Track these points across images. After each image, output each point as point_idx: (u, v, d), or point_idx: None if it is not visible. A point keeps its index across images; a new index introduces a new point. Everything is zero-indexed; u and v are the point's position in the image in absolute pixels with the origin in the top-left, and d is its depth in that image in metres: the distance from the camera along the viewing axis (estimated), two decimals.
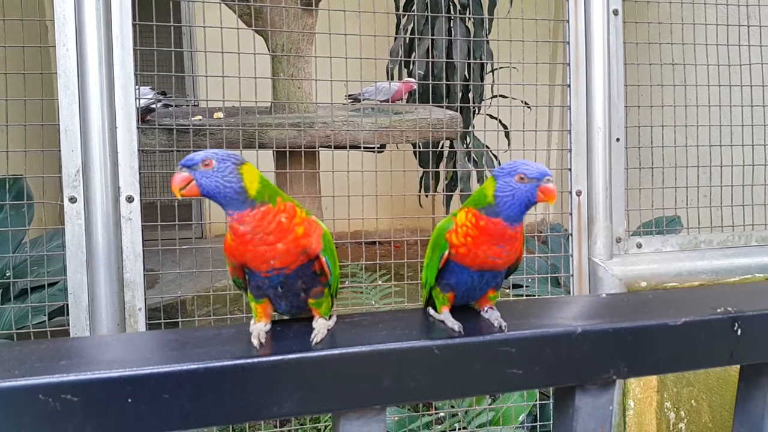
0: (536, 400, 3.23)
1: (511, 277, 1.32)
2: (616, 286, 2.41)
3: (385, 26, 6.24)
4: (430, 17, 5.68)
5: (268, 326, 1.11)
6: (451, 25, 6.04)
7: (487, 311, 1.20)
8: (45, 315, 2.67)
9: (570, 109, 2.50)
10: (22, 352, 1.00)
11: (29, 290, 2.88)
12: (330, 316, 1.16)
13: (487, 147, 6.03)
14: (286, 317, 1.24)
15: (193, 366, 0.96)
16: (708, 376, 2.08)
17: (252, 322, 1.12)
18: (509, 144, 4.78)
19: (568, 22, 2.48)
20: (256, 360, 0.99)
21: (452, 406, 3.36)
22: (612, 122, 2.49)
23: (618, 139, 2.50)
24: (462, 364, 1.09)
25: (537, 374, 1.12)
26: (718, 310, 1.19)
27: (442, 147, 6.47)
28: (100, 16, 2.07)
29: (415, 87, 4.30)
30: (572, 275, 2.51)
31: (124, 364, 0.95)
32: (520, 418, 3.22)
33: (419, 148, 5.70)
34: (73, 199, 2.08)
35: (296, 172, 3.58)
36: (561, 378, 1.14)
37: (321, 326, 1.09)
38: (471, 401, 3.31)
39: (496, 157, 6.07)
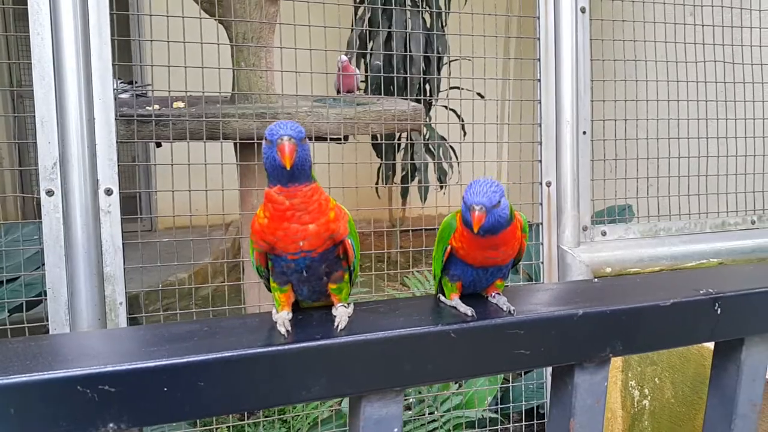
0: (499, 384, 3.36)
1: None
2: (584, 272, 2.53)
3: (348, 17, 6.24)
4: (388, 9, 5.73)
5: (291, 315, 1.15)
6: (408, 16, 6.10)
7: (494, 296, 1.27)
8: (6, 312, 2.58)
9: (540, 103, 2.60)
10: (51, 344, 1.00)
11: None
12: (348, 304, 1.20)
13: (444, 138, 6.14)
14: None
15: (226, 354, 0.98)
16: (671, 355, 2.23)
17: (274, 311, 1.15)
18: (464, 136, 4.86)
19: (538, 18, 2.57)
20: (285, 347, 1.03)
21: (419, 392, 3.44)
22: (579, 116, 2.60)
23: (585, 132, 2.62)
24: (475, 346, 1.16)
25: (542, 354, 1.20)
26: (701, 292, 1.30)
27: (399, 138, 6.54)
28: (76, 4, 2.02)
29: (356, 72, 4.28)
30: (542, 262, 2.62)
31: (157, 355, 0.97)
32: (487, 401, 3.35)
33: (382, 139, 5.73)
34: (50, 192, 2.03)
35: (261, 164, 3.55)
36: (563, 357, 1.23)
37: (342, 314, 1.13)
38: (439, 387, 3.40)
39: (452, 149, 6.18)
